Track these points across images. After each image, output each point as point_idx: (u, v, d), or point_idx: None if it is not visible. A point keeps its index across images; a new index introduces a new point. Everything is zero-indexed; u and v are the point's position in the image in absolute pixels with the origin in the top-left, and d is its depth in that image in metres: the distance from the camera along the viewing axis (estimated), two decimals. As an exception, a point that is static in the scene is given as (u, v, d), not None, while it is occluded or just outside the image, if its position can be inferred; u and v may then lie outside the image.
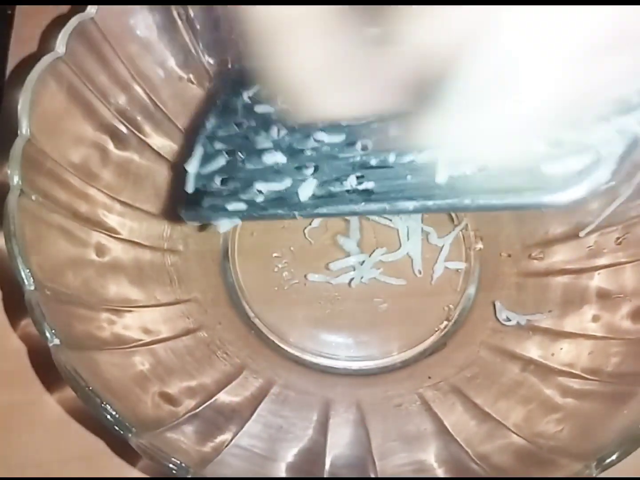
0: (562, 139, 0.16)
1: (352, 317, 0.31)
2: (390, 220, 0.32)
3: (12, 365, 0.28)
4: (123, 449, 0.27)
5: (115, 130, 0.27)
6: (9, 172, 0.22)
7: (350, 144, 0.24)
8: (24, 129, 0.23)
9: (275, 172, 0.23)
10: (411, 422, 0.26)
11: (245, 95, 0.27)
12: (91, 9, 0.25)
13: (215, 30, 0.29)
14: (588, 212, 0.29)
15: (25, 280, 0.21)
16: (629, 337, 0.26)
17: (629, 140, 0.15)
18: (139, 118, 0.28)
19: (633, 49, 0.14)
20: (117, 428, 0.20)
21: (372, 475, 0.24)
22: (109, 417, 0.20)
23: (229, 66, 0.30)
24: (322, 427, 0.26)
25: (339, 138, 0.24)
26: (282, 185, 0.22)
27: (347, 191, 0.21)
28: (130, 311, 0.26)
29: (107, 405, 0.20)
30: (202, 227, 0.31)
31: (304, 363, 0.30)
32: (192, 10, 0.28)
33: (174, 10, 0.28)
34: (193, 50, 0.29)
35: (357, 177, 0.22)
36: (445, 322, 0.31)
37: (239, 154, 0.25)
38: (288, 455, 0.24)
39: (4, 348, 0.29)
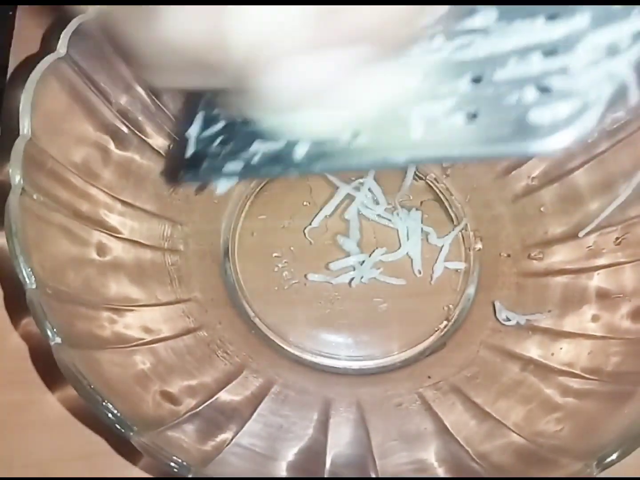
0: (551, 85, 0.16)
1: (352, 316, 0.31)
2: (390, 220, 0.32)
3: (13, 364, 0.28)
4: (124, 448, 0.27)
5: (117, 130, 0.27)
6: (10, 171, 0.22)
7: None
8: (26, 128, 0.23)
9: (271, 133, 0.23)
10: (411, 422, 0.26)
11: None
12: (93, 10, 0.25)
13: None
14: (588, 212, 0.29)
15: (27, 279, 0.21)
16: (628, 337, 0.26)
17: (617, 85, 0.15)
18: (140, 118, 0.28)
19: None
20: (118, 427, 0.20)
21: (373, 475, 0.24)
22: (110, 415, 0.20)
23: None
24: (323, 426, 0.26)
25: None
26: (278, 145, 0.22)
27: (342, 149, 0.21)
28: (131, 310, 0.26)
29: (109, 404, 0.20)
30: (201, 188, 0.30)
31: (304, 362, 0.30)
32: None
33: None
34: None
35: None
36: (445, 322, 0.31)
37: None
38: (288, 454, 0.24)
39: (5, 347, 0.29)
